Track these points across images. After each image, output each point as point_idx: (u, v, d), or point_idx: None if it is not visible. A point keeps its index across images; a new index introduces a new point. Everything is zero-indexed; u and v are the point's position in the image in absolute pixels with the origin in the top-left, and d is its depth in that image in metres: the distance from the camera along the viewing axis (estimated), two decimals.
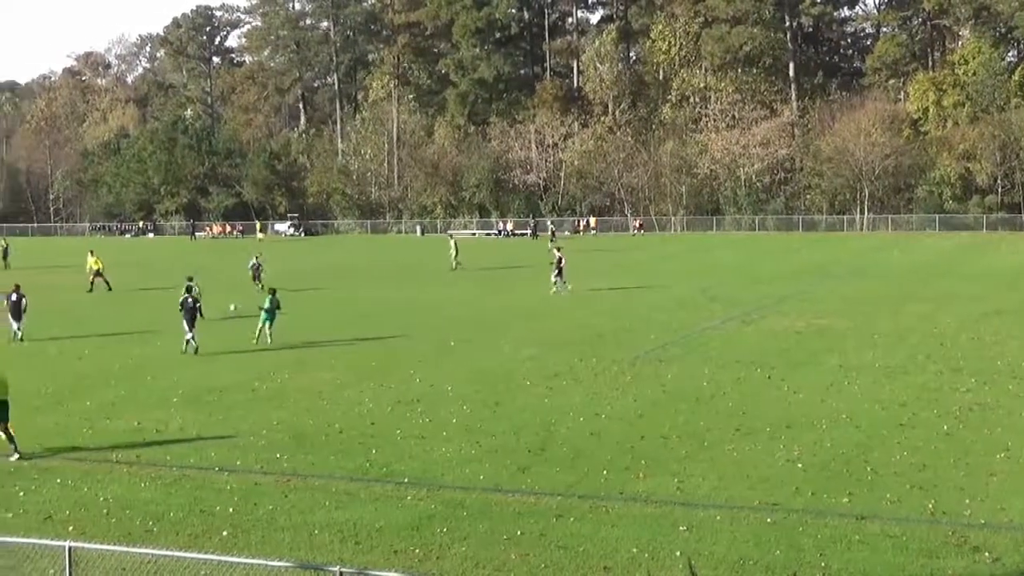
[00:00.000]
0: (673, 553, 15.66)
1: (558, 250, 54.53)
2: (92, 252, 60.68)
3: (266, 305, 36.77)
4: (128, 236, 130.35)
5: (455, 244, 69.40)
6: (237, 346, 35.97)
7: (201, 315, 35.86)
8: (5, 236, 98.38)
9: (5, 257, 75.82)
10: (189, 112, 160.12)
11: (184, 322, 35.44)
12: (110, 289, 56.19)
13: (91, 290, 56.27)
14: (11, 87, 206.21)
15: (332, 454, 21.72)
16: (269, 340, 36.18)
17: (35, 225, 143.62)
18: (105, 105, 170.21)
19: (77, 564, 13.29)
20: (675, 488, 18.89)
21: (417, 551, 16.01)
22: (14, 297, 39.02)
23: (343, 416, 25.11)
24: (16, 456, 21.80)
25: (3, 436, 22.00)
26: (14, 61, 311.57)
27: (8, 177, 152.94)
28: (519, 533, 16.63)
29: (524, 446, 21.98)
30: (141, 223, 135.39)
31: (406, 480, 19.68)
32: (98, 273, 57.38)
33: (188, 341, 35.28)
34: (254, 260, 57.43)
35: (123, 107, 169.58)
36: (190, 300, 35.77)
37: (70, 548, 13.06)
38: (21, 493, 19.38)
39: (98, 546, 14.40)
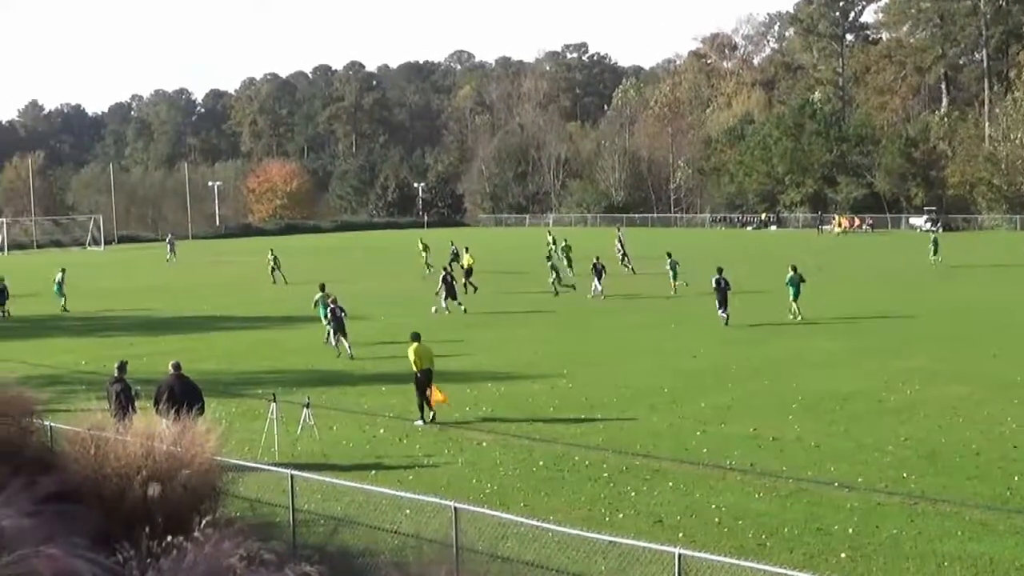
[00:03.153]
0: None
1: None
2: (467, 249, 61.66)
3: (787, 279, 44.33)
4: (749, 228, 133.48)
5: (935, 241, 71.12)
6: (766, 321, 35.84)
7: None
8: (621, 226, 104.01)
9: (568, 252, 76.19)
10: (818, 95, 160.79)
11: (716, 300, 43.35)
12: (475, 290, 56.17)
13: (475, 290, 56.40)
14: (636, 72, 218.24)
15: (967, 478, 20.96)
16: (799, 315, 43.69)
17: (655, 215, 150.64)
18: (730, 89, 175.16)
19: (686, 572, 13.78)
20: None
21: None
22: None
23: (981, 436, 24.14)
24: (420, 422, 26.46)
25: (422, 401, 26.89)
26: (641, 46, 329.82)
27: (630, 165, 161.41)
28: None
29: None
30: (763, 215, 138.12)
31: None
32: (469, 271, 57.78)
33: (723, 317, 42.73)
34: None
35: (748, 91, 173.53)
36: (723, 280, 43.28)
37: (680, 555, 13.57)
38: (633, 493, 20.47)
39: (708, 555, 14.83)
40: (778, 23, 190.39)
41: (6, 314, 53.06)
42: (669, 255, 56.29)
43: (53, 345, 42.85)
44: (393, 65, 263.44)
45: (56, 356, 39.29)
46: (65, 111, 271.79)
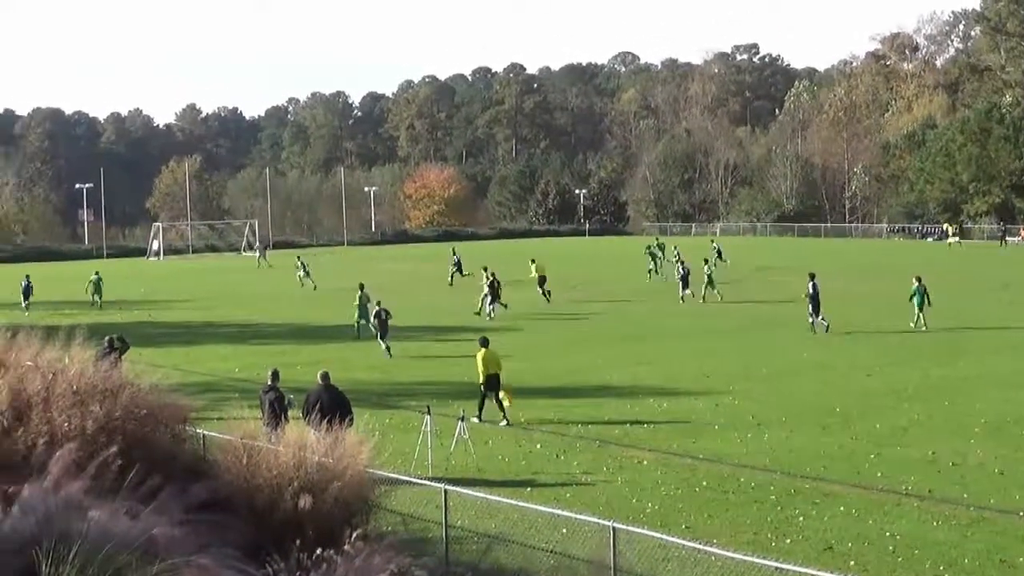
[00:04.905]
0: None
1: None
2: (534, 260, 63.52)
3: (912, 290, 45.55)
4: (929, 240, 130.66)
5: None
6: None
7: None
8: (790, 236, 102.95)
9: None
10: (1008, 98, 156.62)
11: (810, 306, 45.14)
12: (548, 301, 57.89)
13: (548, 300, 58.23)
14: (809, 74, 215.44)
15: None
16: (924, 325, 44.62)
17: (828, 225, 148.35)
18: (910, 92, 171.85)
19: None
20: None
21: None
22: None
23: None
24: (505, 423, 28.42)
25: (495, 404, 28.77)
26: (815, 47, 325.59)
27: (802, 172, 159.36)
28: None
29: None
30: (945, 225, 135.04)
31: None
32: (540, 282, 59.35)
33: (818, 322, 44.77)
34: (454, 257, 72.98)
35: (930, 94, 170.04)
36: (815, 287, 44.88)
37: None
38: (801, 518, 20.21)
39: None
40: (963, 22, 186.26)
41: (26, 308, 58.39)
42: (706, 260, 62.35)
43: (207, 352, 43.97)
44: (555, 67, 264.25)
45: (210, 363, 40.33)
46: (222, 115, 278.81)
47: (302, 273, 72.65)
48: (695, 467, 23.90)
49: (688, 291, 57.56)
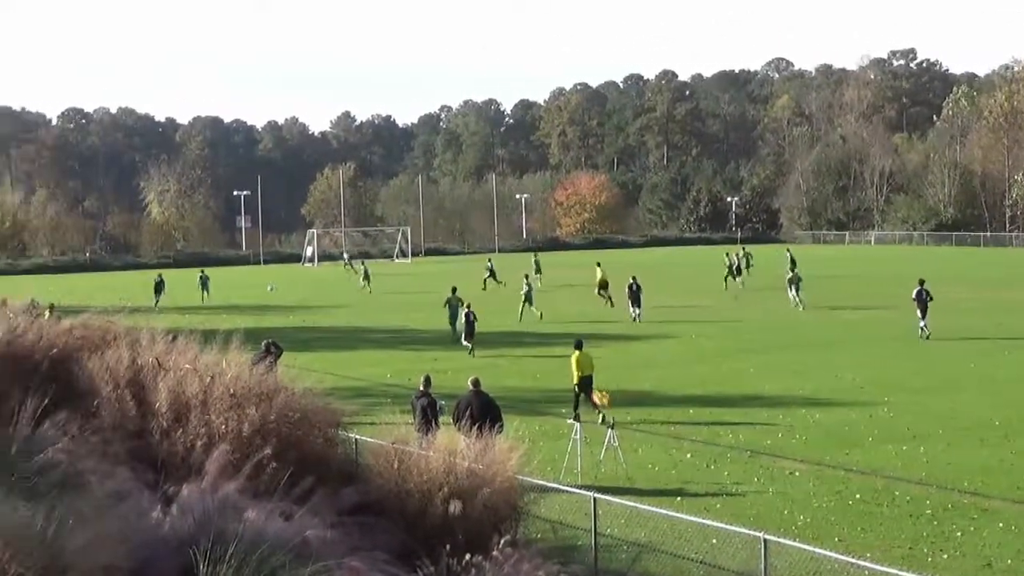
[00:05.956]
0: None
1: None
2: (599, 264, 65.63)
3: None
4: None
5: None
6: None
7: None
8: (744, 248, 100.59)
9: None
10: None
11: (918, 310, 45.59)
12: (612, 305, 58.81)
13: (611, 304, 59.23)
14: (968, 80, 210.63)
15: None
16: None
17: (987, 234, 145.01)
18: None
19: None
20: None
21: None
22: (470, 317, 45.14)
23: None
24: (602, 422, 26.65)
25: (590, 405, 28.95)
26: (974, 51, 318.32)
27: (960, 180, 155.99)
28: None
29: None
30: None
31: None
32: (602, 287, 60.59)
33: (923, 328, 45.11)
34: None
35: None
36: (924, 292, 45.56)
37: None
38: (959, 533, 19.76)
39: None
40: None
41: (157, 306, 64.25)
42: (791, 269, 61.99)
43: (361, 357, 44.59)
44: (707, 74, 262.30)
45: (363, 368, 40.83)
46: (376, 122, 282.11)
47: (362, 279, 78.67)
48: (848, 479, 23.51)
49: (793, 295, 58.65)
